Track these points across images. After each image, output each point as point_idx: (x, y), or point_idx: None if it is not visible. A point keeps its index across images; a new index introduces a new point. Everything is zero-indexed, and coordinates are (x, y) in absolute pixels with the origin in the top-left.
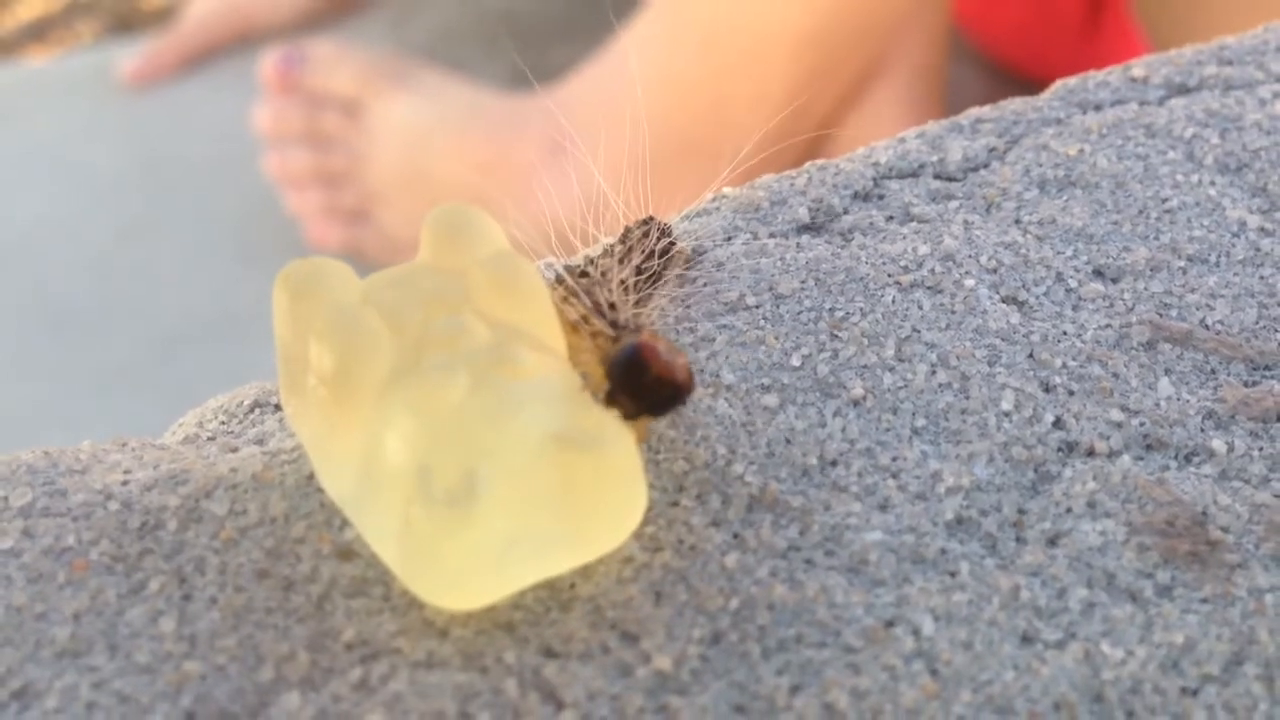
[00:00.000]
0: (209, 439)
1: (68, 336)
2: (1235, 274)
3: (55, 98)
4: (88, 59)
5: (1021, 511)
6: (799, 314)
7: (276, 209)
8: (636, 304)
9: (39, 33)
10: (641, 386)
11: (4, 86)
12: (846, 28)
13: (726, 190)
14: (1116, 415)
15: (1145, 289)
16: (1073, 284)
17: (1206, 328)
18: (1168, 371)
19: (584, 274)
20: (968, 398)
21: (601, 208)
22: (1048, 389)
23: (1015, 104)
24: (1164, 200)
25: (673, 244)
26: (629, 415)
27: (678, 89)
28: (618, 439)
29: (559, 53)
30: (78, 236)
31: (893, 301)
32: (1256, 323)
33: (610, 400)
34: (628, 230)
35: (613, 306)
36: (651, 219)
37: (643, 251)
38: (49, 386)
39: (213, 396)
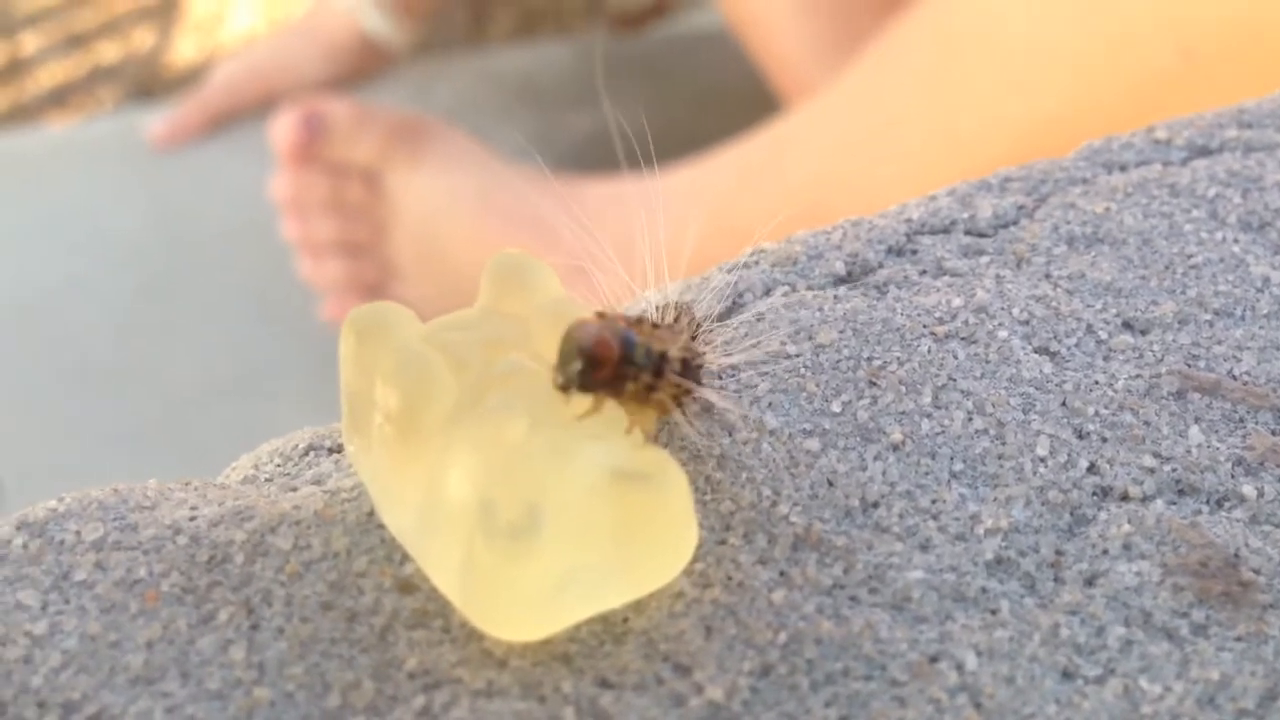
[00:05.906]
0: (267, 480)
1: (90, 396)
2: (1261, 327)
3: (77, 162)
4: (109, 124)
5: (1059, 553)
6: (838, 362)
7: (296, 270)
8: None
9: (61, 98)
10: (562, 354)
11: (27, 151)
12: None
13: (765, 245)
14: (1149, 461)
15: (1174, 341)
16: (1103, 335)
17: (1234, 378)
18: (1197, 420)
19: (638, 321)
20: (1004, 443)
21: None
22: (1081, 436)
23: (1042, 164)
24: (1189, 256)
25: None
26: (558, 385)
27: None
28: (671, 477)
29: (576, 120)
30: (100, 298)
31: (929, 351)
32: None
33: (554, 380)
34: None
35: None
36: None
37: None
38: (71, 445)
39: (265, 441)
